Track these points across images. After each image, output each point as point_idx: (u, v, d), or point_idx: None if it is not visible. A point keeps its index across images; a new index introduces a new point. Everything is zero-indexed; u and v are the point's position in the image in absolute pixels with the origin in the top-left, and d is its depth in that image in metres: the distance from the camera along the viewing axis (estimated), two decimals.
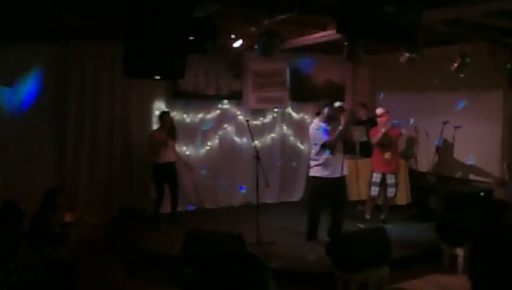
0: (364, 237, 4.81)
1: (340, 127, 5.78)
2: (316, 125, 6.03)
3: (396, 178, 6.95)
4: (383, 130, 6.79)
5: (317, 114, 6.25)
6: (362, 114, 8.33)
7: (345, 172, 6.05)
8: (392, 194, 6.95)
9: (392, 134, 6.88)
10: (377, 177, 6.91)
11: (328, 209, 6.16)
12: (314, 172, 6.00)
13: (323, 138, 5.86)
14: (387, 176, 6.88)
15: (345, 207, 6.20)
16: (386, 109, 7.04)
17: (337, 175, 5.92)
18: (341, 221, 6.10)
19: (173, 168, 7.01)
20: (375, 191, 6.93)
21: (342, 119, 5.81)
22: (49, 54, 6.78)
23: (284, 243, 6.15)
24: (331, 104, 6.01)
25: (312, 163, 6.05)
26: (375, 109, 7.37)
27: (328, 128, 5.91)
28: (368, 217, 7.05)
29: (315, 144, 5.98)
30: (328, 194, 6.00)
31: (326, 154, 5.85)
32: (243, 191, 8.20)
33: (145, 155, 7.18)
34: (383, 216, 7.03)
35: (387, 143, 6.83)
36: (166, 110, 7.27)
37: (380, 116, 6.92)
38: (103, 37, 6.57)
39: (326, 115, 5.94)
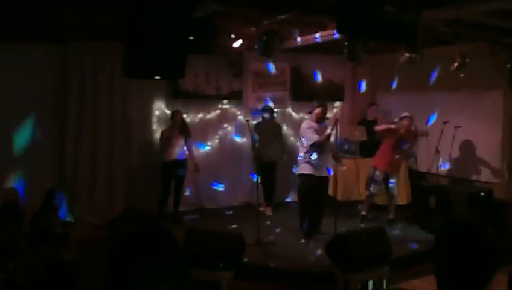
0: (364, 237, 4.81)
1: (330, 127, 5.88)
2: (307, 124, 6.18)
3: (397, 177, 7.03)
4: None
5: (310, 113, 6.39)
6: (374, 114, 8.28)
7: (329, 173, 6.22)
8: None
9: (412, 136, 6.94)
10: (380, 175, 6.86)
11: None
12: (302, 170, 6.13)
13: (313, 138, 5.98)
14: (391, 176, 6.89)
15: (324, 206, 6.30)
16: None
17: (323, 174, 6.10)
18: (320, 219, 6.27)
19: (181, 167, 7.04)
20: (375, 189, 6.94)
21: (331, 120, 5.89)
22: (49, 54, 6.78)
23: (284, 243, 6.16)
24: (323, 105, 6.13)
25: (300, 161, 6.17)
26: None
27: (318, 128, 6.06)
28: (364, 213, 7.02)
29: (304, 142, 6.10)
30: (314, 191, 6.12)
31: (314, 154, 5.97)
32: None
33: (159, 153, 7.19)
34: (391, 216, 7.02)
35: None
36: (176, 109, 7.30)
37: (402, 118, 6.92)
38: (103, 37, 6.56)
39: (316, 115, 6.09)
